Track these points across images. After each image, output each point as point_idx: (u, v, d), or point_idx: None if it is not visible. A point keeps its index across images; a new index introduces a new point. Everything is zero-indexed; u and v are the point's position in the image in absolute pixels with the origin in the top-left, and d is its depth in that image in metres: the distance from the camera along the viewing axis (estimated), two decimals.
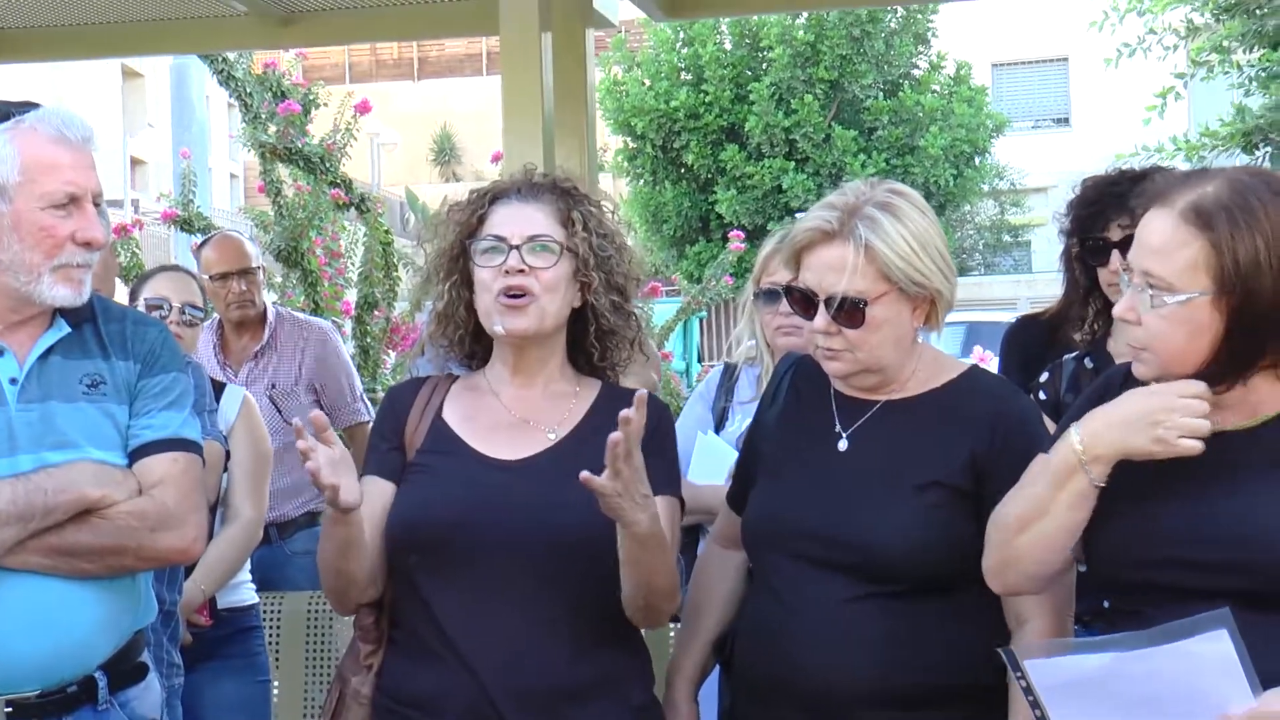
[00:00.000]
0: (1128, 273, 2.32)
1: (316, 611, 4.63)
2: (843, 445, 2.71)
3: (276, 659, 4.51)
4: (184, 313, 4.23)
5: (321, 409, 5.29)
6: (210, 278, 5.23)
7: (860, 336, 2.64)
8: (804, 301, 2.68)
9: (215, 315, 5.42)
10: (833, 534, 2.63)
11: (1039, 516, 2.36)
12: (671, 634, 4.10)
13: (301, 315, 5.82)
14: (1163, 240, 2.25)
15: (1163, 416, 2.22)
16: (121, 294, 4.51)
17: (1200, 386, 2.23)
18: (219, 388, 4.17)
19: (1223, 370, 2.27)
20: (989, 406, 2.69)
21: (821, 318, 2.64)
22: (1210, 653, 2.08)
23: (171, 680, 3.56)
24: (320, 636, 4.67)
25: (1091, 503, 2.32)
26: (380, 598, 2.73)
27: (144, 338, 2.70)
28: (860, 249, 2.60)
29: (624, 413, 2.35)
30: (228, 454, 3.60)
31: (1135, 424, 2.25)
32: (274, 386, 5.32)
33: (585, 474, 2.37)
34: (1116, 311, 2.35)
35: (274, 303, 5.68)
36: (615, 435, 2.35)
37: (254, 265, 5.31)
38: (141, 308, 4.16)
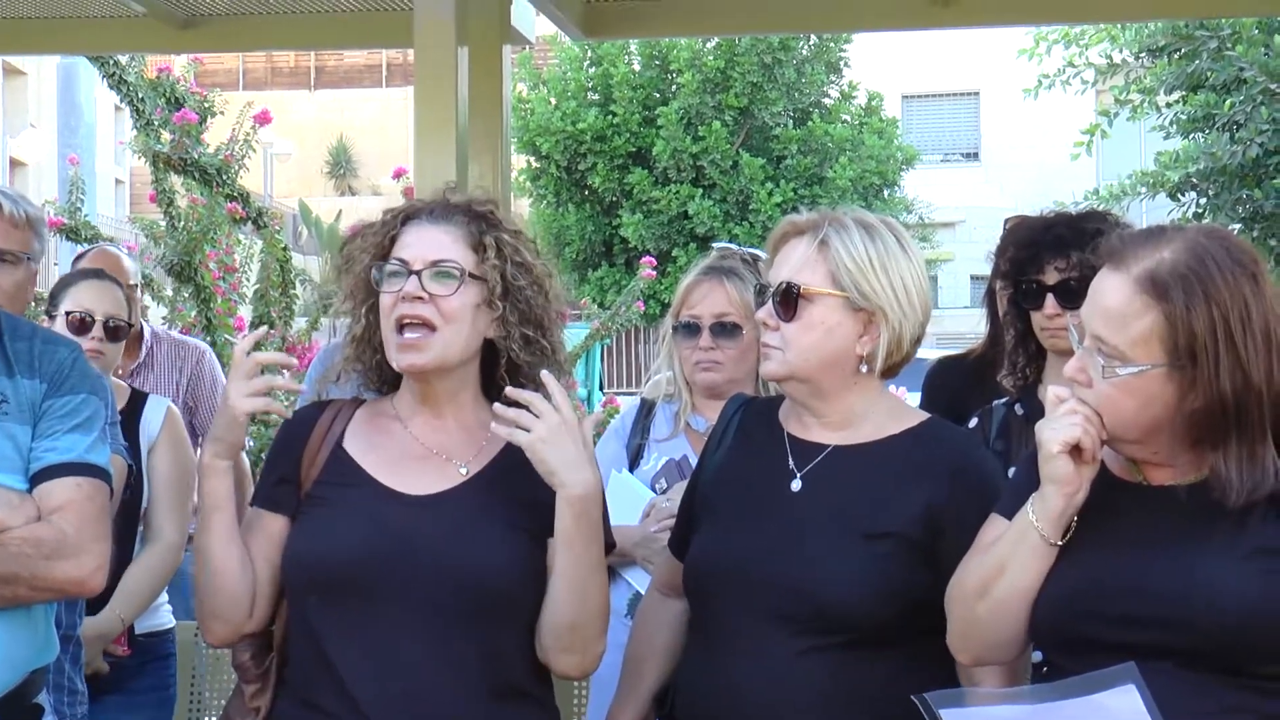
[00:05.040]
0: (1078, 331, 2.29)
1: (201, 644, 4.40)
2: (796, 485, 2.63)
3: None
4: (105, 324, 4.03)
5: (194, 429, 5.19)
6: None
7: (793, 333, 2.61)
8: (762, 298, 2.69)
9: None
10: (782, 581, 2.55)
11: (996, 578, 2.32)
12: (575, 695, 4.03)
13: (178, 335, 5.73)
14: (1117, 308, 2.22)
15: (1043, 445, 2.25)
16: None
17: (1063, 391, 2.26)
18: (142, 398, 4.01)
19: (1176, 441, 2.24)
20: (949, 459, 2.62)
21: (765, 308, 2.65)
22: (1121, 707, 2.08)
23: (75, 709, 3.38)
24: (203, 669, 4.45)
25: (1047, 561, 2.29)
26: (269, 636, 2.60)
27: (53, 357, 2.59)
28: (815, 243, 2.62)
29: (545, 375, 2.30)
30: (130, 467, 3.41)
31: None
32: None
33: (500, 409, 2.30)
34: (1067, 372, 2.29)
35: (150, 320, 5.54)
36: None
37: (129, 282, 5.09)
38: (61, 320, 3.97)
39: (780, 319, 2.61)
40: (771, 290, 2.63)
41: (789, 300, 2.60)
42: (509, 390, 2.36)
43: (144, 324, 5.32)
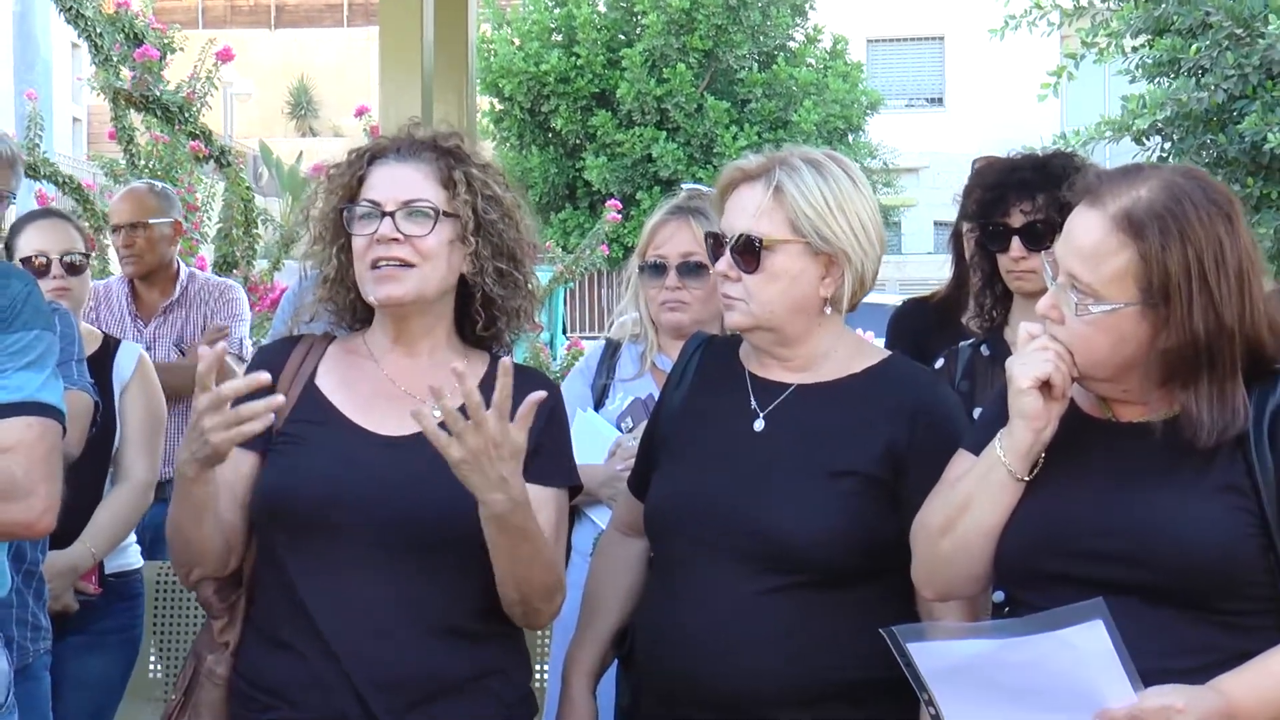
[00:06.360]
0: (1052, 267, 2.26)
1: (167, 582, 4.40)
2: (759, 425, 2.62)
3: None
4: (63, 262, 4.13)
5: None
6: (112, 229, 5.40)
7: (756, 284, 2.58)
8: (717, 247, 2.63)
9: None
10: (744, 521, 2.54)
11: (962, 513, 2.32)
12: (539, 636, 4.00)
13: (212, 276, 5.92)
14: (1091, 245, 2.21)
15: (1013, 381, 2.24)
16: None
17: (1034, 327, 2.26)
18: (114, 344, 4.03)
19: (1148, 379, 2.25)
20: (909, 397, 2.61)
21: (724, 260, 2.60)
22: (1088, 644, 2.07)
23: (38, 644, 3.38)
24: (169, 607, 4.44)
25: (1013, 496, 2.29)
26: (237, 571, 2.60)
27: (4, 291, 2.47)
28: (770, 190, 2.58)
29: (454, 366, 2.24)
30: (97, 405, 3.38)
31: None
32: (183, 340, 5.35)
33: (416, 409, 2.23)
34: (1039, 308, 2.29)
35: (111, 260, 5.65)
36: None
37: (148, 220, 5.29)
38: (17, 262, 4.02)
39: (741, 270, 2.58)
40: (730, 242, 2.60)
41: (749, 251, 2.57)
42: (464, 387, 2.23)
43: (180, 263, 5.51)
